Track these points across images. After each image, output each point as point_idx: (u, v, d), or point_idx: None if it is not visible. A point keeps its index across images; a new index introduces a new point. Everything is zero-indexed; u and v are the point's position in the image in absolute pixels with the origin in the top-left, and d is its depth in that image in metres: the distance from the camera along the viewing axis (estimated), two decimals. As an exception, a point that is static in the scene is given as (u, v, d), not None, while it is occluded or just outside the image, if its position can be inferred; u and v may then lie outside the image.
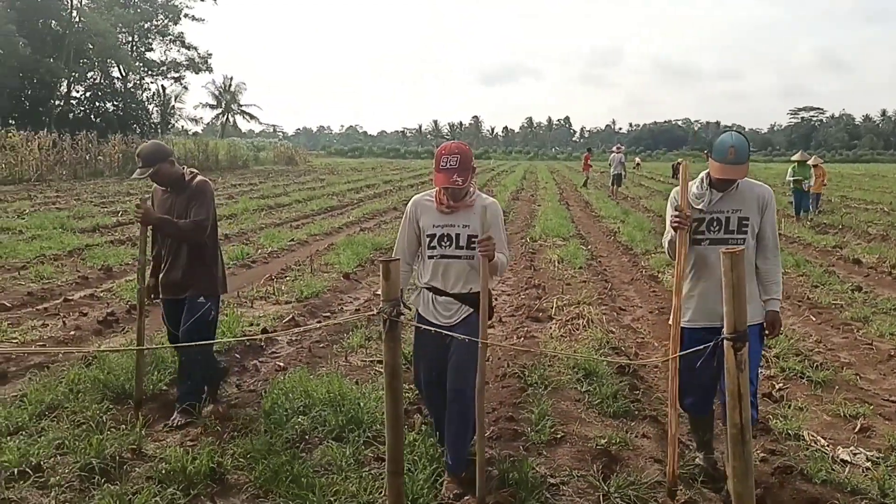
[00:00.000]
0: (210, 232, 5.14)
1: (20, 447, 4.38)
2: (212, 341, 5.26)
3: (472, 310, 4.08)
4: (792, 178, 19.14)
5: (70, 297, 8.80)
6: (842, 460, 4.64)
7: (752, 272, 4.04)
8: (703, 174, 4.12)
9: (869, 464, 4.61)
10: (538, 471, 4.30)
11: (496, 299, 9.72)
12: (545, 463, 4.50)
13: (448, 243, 4.10)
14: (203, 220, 5.02)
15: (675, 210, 4.05)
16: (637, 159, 58.53)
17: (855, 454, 4.73)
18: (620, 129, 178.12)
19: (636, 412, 5.42)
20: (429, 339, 4.09)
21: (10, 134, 31.68)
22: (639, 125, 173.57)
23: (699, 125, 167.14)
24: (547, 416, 5.11)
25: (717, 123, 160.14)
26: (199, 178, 5.16)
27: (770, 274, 4.10)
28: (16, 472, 4.13)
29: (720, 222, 4.09)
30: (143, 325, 5.14)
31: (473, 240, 4.01)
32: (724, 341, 2.24)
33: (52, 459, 4.32)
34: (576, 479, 4.29)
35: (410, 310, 3.44)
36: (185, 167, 5.27)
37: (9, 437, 4.58)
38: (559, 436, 4.89)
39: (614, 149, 29.83)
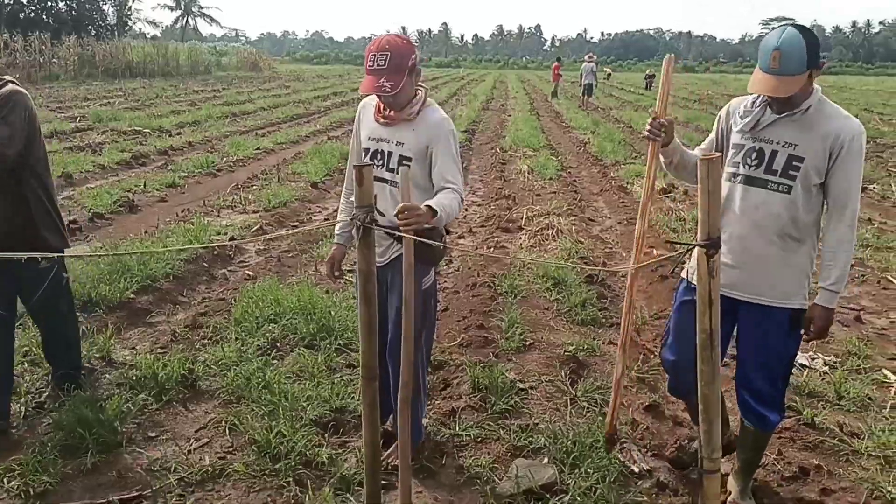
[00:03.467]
0: (26, 161, 3.64)
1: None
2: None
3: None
4: None
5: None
6: (801, 365, 4.78)
7: (795, 237, 2.95)
8: None
9: (826, 368, 4.78)
10: (508, 376, 4.38)
11: (466, 209, 9.71)
12: (515, 369, 4.58)
13: (380, 162, 3.27)
14: (3, 138, 3.47)
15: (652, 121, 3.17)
16: (608, 69, 57.85)
17: (813, 359, 4.88)
18: (592, 38, 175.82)
19: (603, 320, 5.52)
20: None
21: (-43, 35, 30.26)
22: (610, 34, 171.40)
23: (671, 35, 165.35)
24: (517, 323, 5.18)
25: (689, 33, 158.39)
26: (9, 86, 3.60)
27: (830, 249, 2.91)
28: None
29: (761, 155, 2.96)
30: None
31: (406, 163, 3.22)
32: (697, 248, 2.25)
33: (20, 367, 4.29)
34: (544, 384, 4.39)
35: (384, 216, 3.17)
36: None
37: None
38: (528, 343, 4.97)
39: (586, 58, 29.35)
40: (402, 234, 2.75)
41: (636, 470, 3.48)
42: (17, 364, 4.23)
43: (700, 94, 37.30)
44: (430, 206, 2.93)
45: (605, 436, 3.62)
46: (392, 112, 3.22)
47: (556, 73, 34.23)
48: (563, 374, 4.50)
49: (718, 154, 2.48)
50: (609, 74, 53.44)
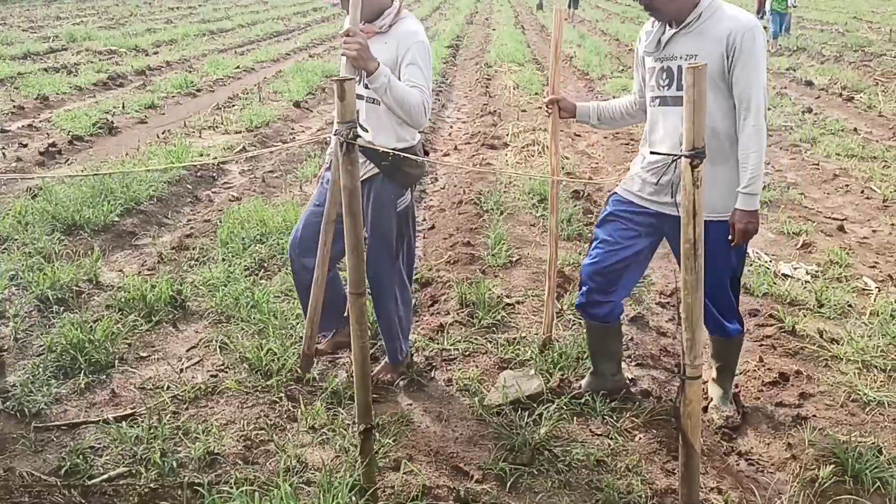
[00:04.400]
0: None
1: (-28, 280, 4.32)
2: None
3: (377, 171, 3.16)
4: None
5: (7, 129, 8.41)
6: (783, 274, 4.86)
7: (719, 150, 2.86)
8: None
9: (808, 277, 4.85)
10: (494, 292, 4.42)
11: (451, 126, 9.61)
12: (501, 284, 4.62)
13: (357, 79, 3.05)
14: None
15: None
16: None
17: (795, 269, 4.95)
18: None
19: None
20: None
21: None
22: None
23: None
24: (503, 240, 5.20)
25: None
26: None
27: (742, 151, 2.85)
28: (-29, 304, 4.10)
29: (670, 74, 2.92)
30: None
31: None
32: (682, 158, 2.24)
33: (7, 290, 4.28)
34: (530, 299, 4.44)
35: (367, 131, 3.14)
36: None
37: (-41, 271, 4.50)
38: (515, 259, 5.01)
39: (572, -32, 28.53)
40: (383, 149, 2.76)
41: (621, 379, 3.56)
42: (3, 289, 4.24)
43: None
44: (378, 65, 2.84)
45: (542, 339, 3.78)
46: (364, 24, 3.03)
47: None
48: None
49: (705, 63, 2.43)
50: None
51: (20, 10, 26.17)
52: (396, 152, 2.95)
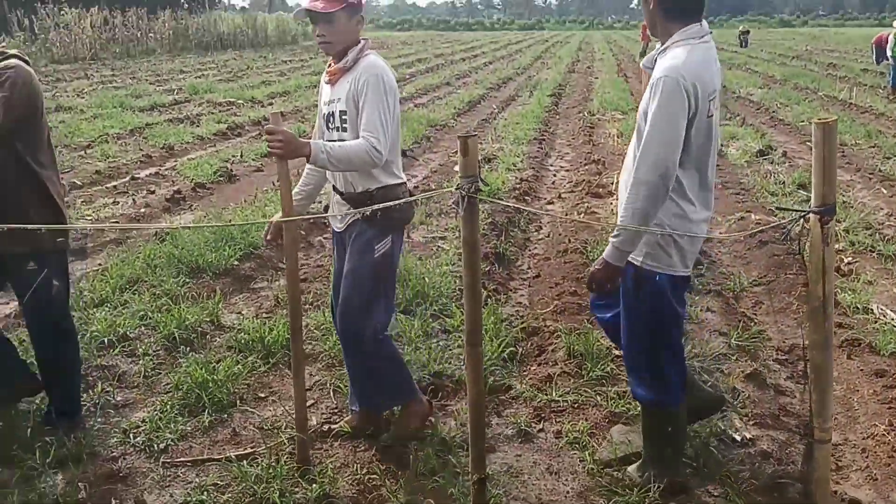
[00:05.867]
0: (22, 138, 3.18)
1: (107, 318, 4.62)
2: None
3: (357, 216, 3.13)
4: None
5: (137, 176, 9.01)
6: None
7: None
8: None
9: None
10: (603, 343, 4.38)
11: (554, 175, 9.65)
12: (610, 336, 4.56)
13: (331, 124, 3.17)
14: None
15: None
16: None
17: (926, 328, 4.68)
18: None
19: (700, 286, 5.42)
20: (338, 254, 3.39)
21: (62, 12, 31.57)
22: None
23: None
24: (610, 290, 5.14)
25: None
26: (12, 60, 3.19)
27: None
28: (105, 342, 4.38)
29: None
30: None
31: (343, 117, 3.09)
32: (811, 215, 2.20)
33: (138, 330, 4.56)
34: (640, 351, 4.36)
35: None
36: None
37: (95, 309, 4.82)
38: (623, 309, 4.94)
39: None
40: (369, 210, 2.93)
41: (738, 439, 3.44)
42: (134, 328, 4.51)
43: (797, 50, 35.61)
44: (310, 142, 2.91)
45: None
46: (332, 65, 3.12)
47: (645, 33, 33.14)
48: (659, 341, 4.46)
49: (835, 118, 2.39)
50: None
51: (147, 64, 28.10)
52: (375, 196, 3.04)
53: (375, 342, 3.25)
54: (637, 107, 9.80)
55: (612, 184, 8.51)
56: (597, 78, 22.50)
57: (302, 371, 3.21)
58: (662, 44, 2.81)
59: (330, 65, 3.20)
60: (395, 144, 3.15)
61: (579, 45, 45.12)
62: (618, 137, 11.63)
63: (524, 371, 4.17)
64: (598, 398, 3.83)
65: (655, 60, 2.82)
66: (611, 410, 3.69)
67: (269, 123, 2.92)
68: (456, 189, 2.39)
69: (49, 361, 3.47)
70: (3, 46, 3.31)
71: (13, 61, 3.17)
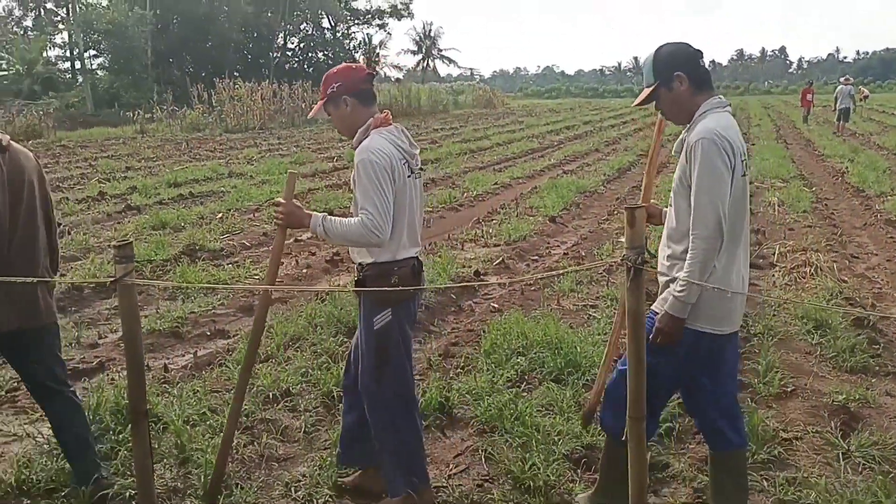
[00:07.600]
0: (21, 222, 3.21)
1: (271, 373, 4.88)
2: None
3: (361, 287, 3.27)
4: None
5: (300, 238, 9.54)
6: None
7: (672, 251, 3.01)
8: None
9: None
10: (769, 424, 4.13)
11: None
12: (775, 416, 4.31)
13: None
14: None
15: None
16: (864, 90, 52.65)
17: None
18: (845, 57, 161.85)
19: (877, 368, 5.03)
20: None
21: (237, 86, 34.45)
22: (867, 53, 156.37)
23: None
24: (775, 368, 4.87)
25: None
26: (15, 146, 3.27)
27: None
28: (269, 396, 4.61)
29: None
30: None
31: (352, 196, 3.25)
32: None
33: (299, 386, 4.77)
34: (811, 435, 4.09)
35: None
36: None
37: (261, 365, 5.10)
38: (790, 389, 4.66)
39: (842, 80, 27.08)
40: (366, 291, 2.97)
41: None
42: (296, 384, 4.72)
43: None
44: (313, 214, 3.15)
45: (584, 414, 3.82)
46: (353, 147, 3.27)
47: (806, 98, 31.80)
48: (832, 425, 4.16)
49: None
50: (866, 96, 48.65)
51: (310, 133, 29.92)
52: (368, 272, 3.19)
53: (397, 416, 3.31)
54: (800, 174, 9.42)
55: (774, 255, 8.13)
56: (754, 144, 21.70)
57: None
58: (688, 122, 3.04)
59: None
60: (399, 221, 3.17)
61: (734, 111, 43.87)
62: (779, 206, 11.14)
63: (682, 448, 4.00)
64: (766, 483, 3.60)
65: (684, 142, 2.98)
66: (779, 498, 3.47)
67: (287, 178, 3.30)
68: (622, 260, 2.37)
69: (61, 429, 3.45)
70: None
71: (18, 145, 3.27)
